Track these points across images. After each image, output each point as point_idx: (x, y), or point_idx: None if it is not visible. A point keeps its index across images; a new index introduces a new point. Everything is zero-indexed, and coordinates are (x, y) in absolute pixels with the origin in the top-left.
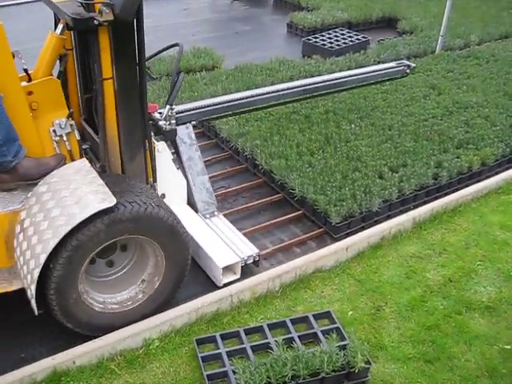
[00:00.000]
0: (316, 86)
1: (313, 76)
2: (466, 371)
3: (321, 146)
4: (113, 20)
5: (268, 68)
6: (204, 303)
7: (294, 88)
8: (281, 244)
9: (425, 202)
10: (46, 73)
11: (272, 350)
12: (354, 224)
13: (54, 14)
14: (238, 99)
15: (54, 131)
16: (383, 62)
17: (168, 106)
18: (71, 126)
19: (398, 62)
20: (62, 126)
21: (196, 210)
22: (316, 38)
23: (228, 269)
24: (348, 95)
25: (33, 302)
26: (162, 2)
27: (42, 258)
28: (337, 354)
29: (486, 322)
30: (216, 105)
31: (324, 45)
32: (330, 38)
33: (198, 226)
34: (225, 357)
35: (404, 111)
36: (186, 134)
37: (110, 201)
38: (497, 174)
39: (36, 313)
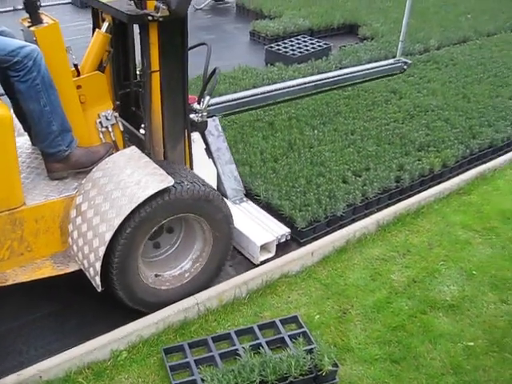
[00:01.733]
0: (326, 81)
1: (276, 83)
2: (431, 369)
3: (284, 152)
4: (168, 16)
5: (231, 76)
6: (171, 312)
7: (308, 83)
8: None
9: (388, 205)
10: (92, 68)
11: (240, 356)
12: (319, 228)
13: (94, 13)
14: (262, 93)
15: (101, 123)
16: (345, 68)
17: (208, 97)
18: (116, 117)
19: (395, 59)
20: (108, 118)
21: (225, 197)
22: (278, 45)
23: (263, 247)
24: (311, 101)
25: (97, 279)
26: None
27: (108, 236)
28: (304, 358)
29: (450, 320)
30: (242, 98)
31: (286, 52)
32: (292, 46)
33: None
34: (193, 365)
35: (366, 116)
36: (213, 126)
37: (169, 181)
38: (458, 175)
39: (99, 289)
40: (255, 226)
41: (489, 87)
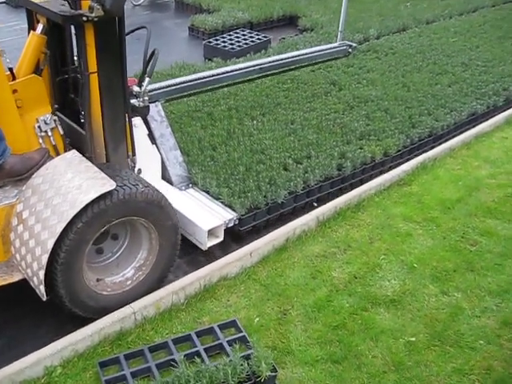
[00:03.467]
0: (271, 64)
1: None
2: (373, 368)
3: (223, 140)
4: (103, 16)
5: (168, 74)
6: (106, 323)
7: (253, 66)
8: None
9: (329, 194)
10: (28, 71)
11: (177, 366)
12: (259, 216)
13: (28, 14)
14: (206, 77)
15: (39, 127)
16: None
17: (148, 78)
18: (55, 121)
19: (340, 42)
20: (47, 122)
21: (171, 184)
22: (217, 40)
23: (211, 233)
24: (250, 93)
25: (41, 288)
26: None
27: (50, 243)
28: (241, 365)
29: (392, 315)
30: (185, 82)
31: (225, 46)
32: (230, 40)
33: (176, 197)
34: (129, 378)
35: (306, 107)
36: (155, 111)
37: (111, 184)
38: (399, 164)
39: (44, 298)
40: (202, 211)
41: (428, 75)
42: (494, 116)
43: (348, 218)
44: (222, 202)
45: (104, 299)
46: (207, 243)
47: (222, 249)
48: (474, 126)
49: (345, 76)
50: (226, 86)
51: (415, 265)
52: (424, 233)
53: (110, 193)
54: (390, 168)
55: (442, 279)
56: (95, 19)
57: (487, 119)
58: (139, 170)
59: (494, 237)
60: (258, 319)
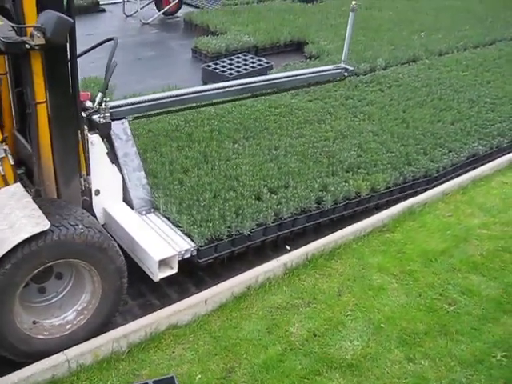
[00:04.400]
0: (254, 85)
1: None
2: None
3: (197, 163)
4: (45, 44)
5: None
6: (36, 370)
7: (232, 86)
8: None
9: (305, 228)
10: None
11: None
12: (221, 248)
13: None
14: (173, 96)
15: None
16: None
17: (100, 94)
18: (5, 150)
19: (336, 65)
20: None
21: (132, 207)
22: (216, 64)
23: (165, 263)
24: (238, 115)
25: None
26: None
27: None
28: None
29: (346, 382)
30: (151, 101)
31: (224, 71)
32: (231, 64)
33: (133, 222)
34: None
35: (295, 133)
36: (121, 129)
37: (45, 224)
38: (387, 202)
39: None
40: (157, 239)
41: (430, 111)
42: (497, 158)
43: (319, 266)
44: (181, 231)
45: (39, 343)
46: (158, 274)
47: (180, 292)
48: (473, 169)
49: (342, 108)
50: (197, 106)
51: (382, 324)
52: (399, 287)
53: (44, 233)
54: (377, 205)
55: (409, 343)
56: (36, 47)
57: (489, 161)
58: (97, 191)
59: (475, 296)
60: (199, 376)
